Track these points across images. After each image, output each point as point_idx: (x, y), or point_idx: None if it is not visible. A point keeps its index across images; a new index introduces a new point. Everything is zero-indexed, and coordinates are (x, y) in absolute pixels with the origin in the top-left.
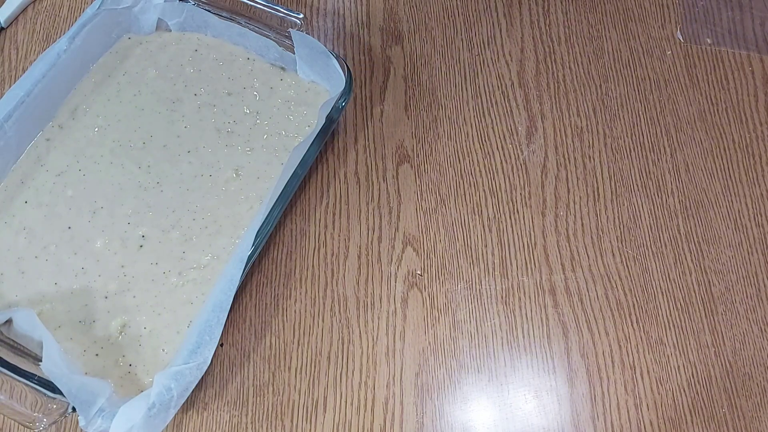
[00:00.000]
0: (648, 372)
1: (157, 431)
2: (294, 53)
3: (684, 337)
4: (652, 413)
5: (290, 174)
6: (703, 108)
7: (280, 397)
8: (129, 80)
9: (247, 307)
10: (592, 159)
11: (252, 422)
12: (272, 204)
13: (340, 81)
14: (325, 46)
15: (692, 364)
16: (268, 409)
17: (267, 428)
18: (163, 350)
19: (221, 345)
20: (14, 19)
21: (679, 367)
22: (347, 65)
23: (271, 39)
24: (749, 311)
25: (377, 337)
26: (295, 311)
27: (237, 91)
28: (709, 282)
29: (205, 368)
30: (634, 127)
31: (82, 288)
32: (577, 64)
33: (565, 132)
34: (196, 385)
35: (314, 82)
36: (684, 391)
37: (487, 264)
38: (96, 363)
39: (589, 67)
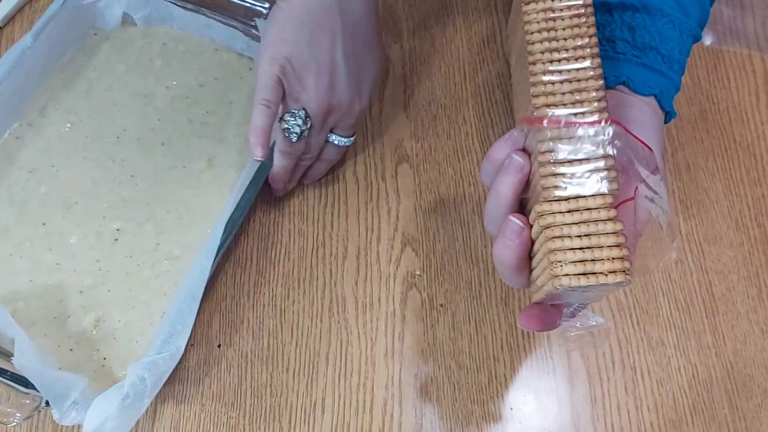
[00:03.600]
0: (648, 373)
1: (132, 421)
2: (260, 42)
3: (685, 338)
4: (652, 414)
5: (260, 162)
6: (704, 107)
7: (278, 398)
8: (99, 76)
9: (245, 308)
10: None
11: (250, 423)
12: (242, 193)
13: None
14: None
15: (693, 364)
16: (266, 410)
17: (265, 430)
18: (137, 342)
19: (219, 346)
20: (11, 18)
21: (679, 367)
22: None
23: (237, 29)
24: (750, 312)
25: (376, 338)
26: (293, 312)
27: (209, 82)
28: (710, 282)
29: (179, 357)
30: None
31: (57, 284)
32: None
33: None
34: (194, 386)
35: None
36: (685, 392)
37: (487, 264)
38: (70, 358)
39: None
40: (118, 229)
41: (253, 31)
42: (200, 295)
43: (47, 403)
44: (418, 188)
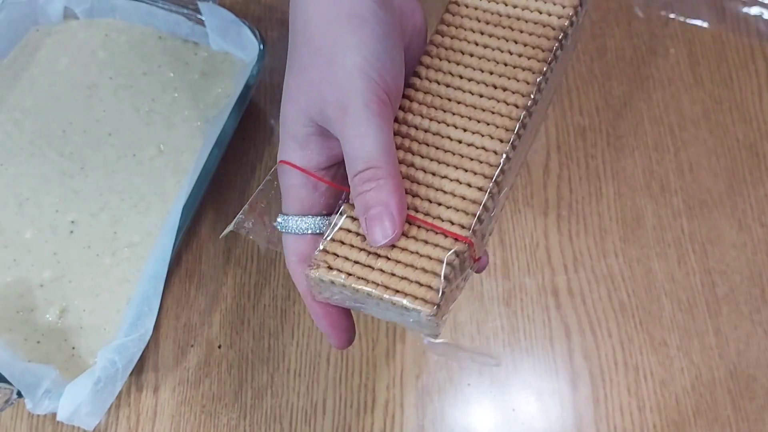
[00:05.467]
0: (651, 374)
1: (106, 405)
2: (205, 26)
3: (688, 339)
4: (655, 415)
5: (213, 143)
6: (707, 106)
7: (279, 399)
8: (41, 72)
9: (245, 309)
10: (594, 158)
11: (250, 425)
12: (198, 172)
13: (254, 49)
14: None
15: (696, 365)
16: (266, 411)
17: (265, 431)
18: (104, 329)
19: (219, 347)
20: None
21: (682, 368)
22: (259, 32)
23: (180, 15)
24: (753, 312)
25: (377, 339)
26: (294, 312)
27: (152, 70)
28: (712, 283)
29: (147, 338)
30: (637, 126)
31: (16, 280)
32: (580, 62)
33: (567, 131)
34: (194, 387)
35: (229, 53)
36: (688, 393)
37: (489, 264)
38: (38, 350)
39: (592, 65)
40: (72, 221)
41: (198, 15)
42: (164, 276)
43: (19, 394)
44: None
